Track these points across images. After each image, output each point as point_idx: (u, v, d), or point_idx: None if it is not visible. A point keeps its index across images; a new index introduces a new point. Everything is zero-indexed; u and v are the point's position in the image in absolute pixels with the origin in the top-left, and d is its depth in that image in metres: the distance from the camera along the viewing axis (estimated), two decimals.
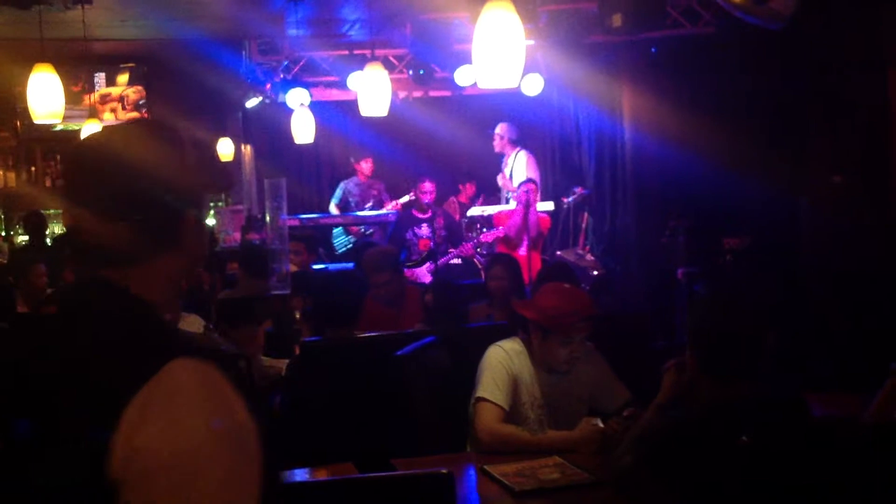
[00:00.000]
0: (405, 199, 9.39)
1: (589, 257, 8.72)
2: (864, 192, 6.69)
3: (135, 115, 11.39)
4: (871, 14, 6.52)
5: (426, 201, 8.59)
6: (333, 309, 4.34)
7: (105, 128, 1.54)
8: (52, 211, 9.07)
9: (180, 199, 1.41)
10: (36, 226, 8.15)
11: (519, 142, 9.06)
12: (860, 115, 6.72)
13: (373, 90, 6.85)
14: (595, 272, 8.46)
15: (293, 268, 6.95)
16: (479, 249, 8.42)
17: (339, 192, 9.78)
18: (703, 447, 2.39)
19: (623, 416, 3.19)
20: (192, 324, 4.45)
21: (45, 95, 6.12)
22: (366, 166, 9.75)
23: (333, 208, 9.71)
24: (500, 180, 9.19)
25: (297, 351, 4.49)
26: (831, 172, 6.82)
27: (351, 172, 9.87)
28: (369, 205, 9.67)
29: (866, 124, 6.70)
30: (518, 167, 8.88)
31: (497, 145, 9.12)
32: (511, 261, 5.72)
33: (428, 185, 8.60)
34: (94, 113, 9.50)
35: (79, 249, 1.39)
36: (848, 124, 6.77)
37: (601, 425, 3.19)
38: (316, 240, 9.15)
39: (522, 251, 8.01)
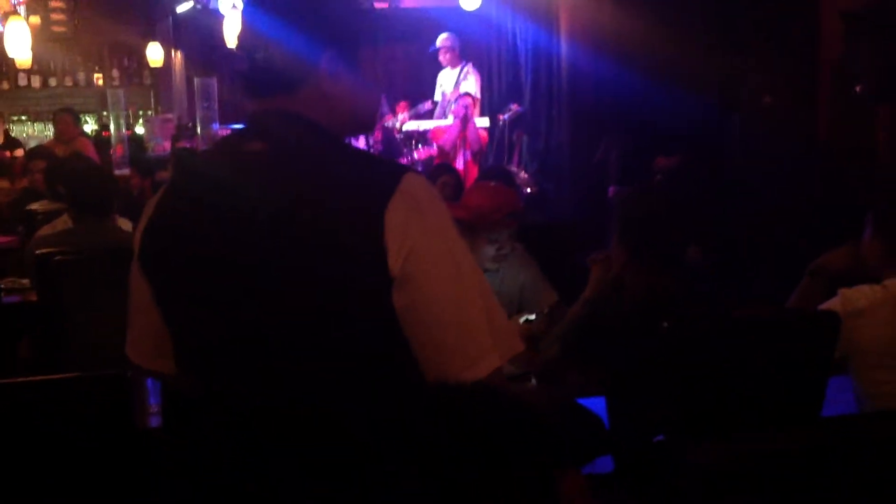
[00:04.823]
0: None
1: (523, 175, 8.74)
2: (792, 114, 6.81)
3: (61, 17, 11.02)
4: None
5: None
6: None
7: None
8: None
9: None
10: None
11: (464, 55, 8.92)
12: (793, 38, 6.81)
13: None
14: (528, 189, 8.51)
15: None
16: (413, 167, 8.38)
17: None
18: (625, 333, 2.46)
19: (544, 314, 3.24)
20: (124, 224, 4.40)
21: None
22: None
23: None
24: (438, 94, 9.07)
25: None
26: (763, 92, 6.92)
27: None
28: None
29: (798, 47, 6.79)
30: (468, 83, 8.73)
31: (445, 58, 8.89)
32: (455, 171, 6.21)
33: None
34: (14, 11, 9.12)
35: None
36: (780, 45, 6.86)
37: (531, 319, 3.24)
38: None
39: (460, 166, 8.00)
